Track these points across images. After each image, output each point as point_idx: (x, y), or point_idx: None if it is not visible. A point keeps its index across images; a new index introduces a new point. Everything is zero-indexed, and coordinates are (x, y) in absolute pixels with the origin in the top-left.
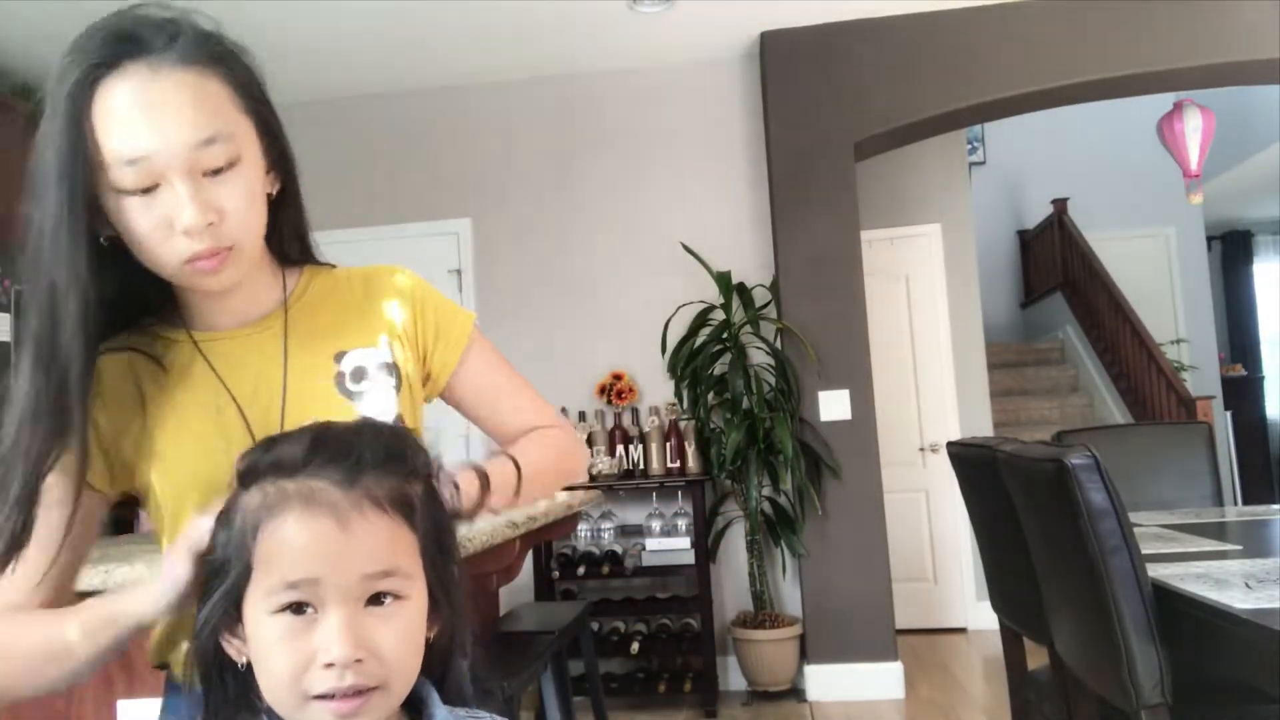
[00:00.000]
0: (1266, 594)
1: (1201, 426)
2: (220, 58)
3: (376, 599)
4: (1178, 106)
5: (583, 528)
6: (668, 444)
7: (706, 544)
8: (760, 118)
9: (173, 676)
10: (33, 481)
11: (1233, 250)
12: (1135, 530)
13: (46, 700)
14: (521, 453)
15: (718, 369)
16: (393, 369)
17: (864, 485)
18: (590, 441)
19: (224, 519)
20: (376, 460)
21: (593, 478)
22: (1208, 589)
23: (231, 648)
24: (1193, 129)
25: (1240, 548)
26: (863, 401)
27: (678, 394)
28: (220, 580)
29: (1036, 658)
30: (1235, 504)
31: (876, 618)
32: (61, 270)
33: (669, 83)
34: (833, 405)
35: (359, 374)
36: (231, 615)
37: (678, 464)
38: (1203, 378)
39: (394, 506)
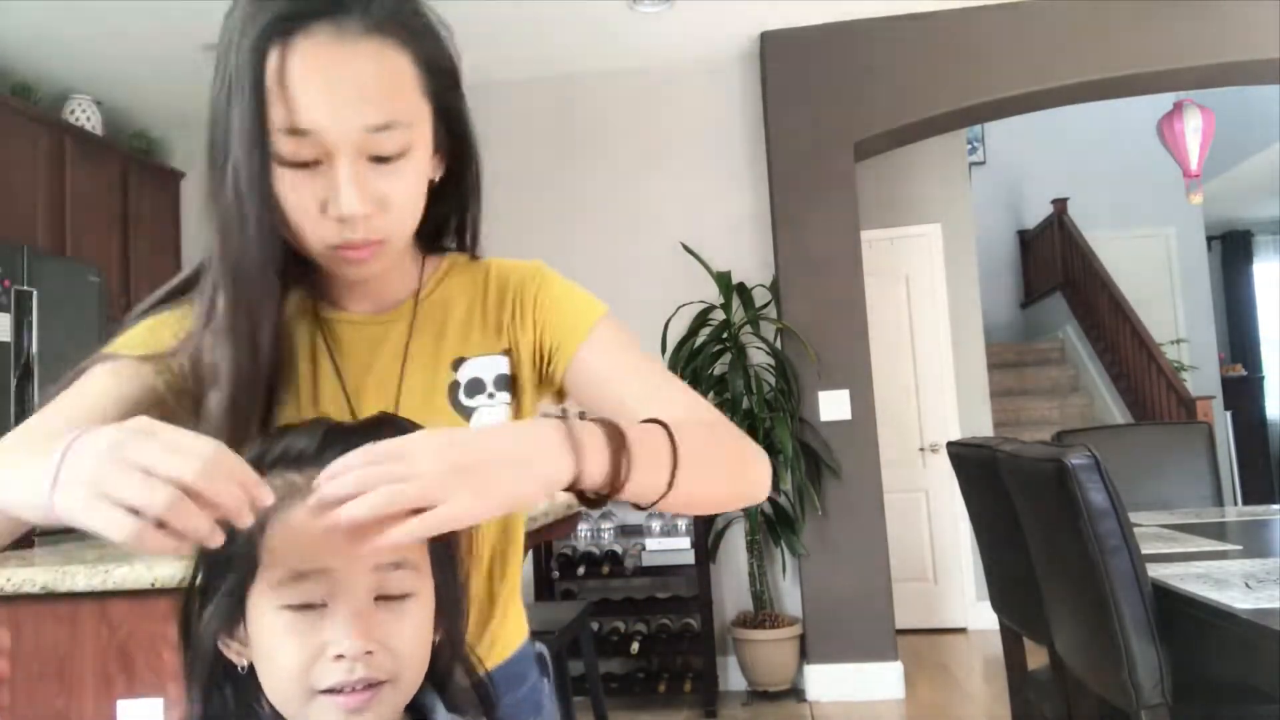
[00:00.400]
0: (1266, 594)
1: (1201, 426)
2: (415, 30)
3: (385, 593)
4: (1178, 106)
5: (583, 528)
6: None
7: (706, 544)
8: (760, 118)
9: None
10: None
11: (1233, 250)
12: (1135, 530)
13: (46, 700)
14: (675, 427)
15: (718, 369)
16: (509, 381)
17: (864, 485)
18: None
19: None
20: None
21: None
22: (1208, 589)
23: (231, 651)
24: (1193, 129)
25: (1240, 548)
26: (863, 401)
27: None
28: (223, 577)
29: (1036, 658)
30: (1235, 504)
31: (876, 618)
32: (259, 219)
33: (669, 83)
34: (833, 405)
35: (474, 386)
36: (233, 616)
37: None
38: (1203, 378)
39: None
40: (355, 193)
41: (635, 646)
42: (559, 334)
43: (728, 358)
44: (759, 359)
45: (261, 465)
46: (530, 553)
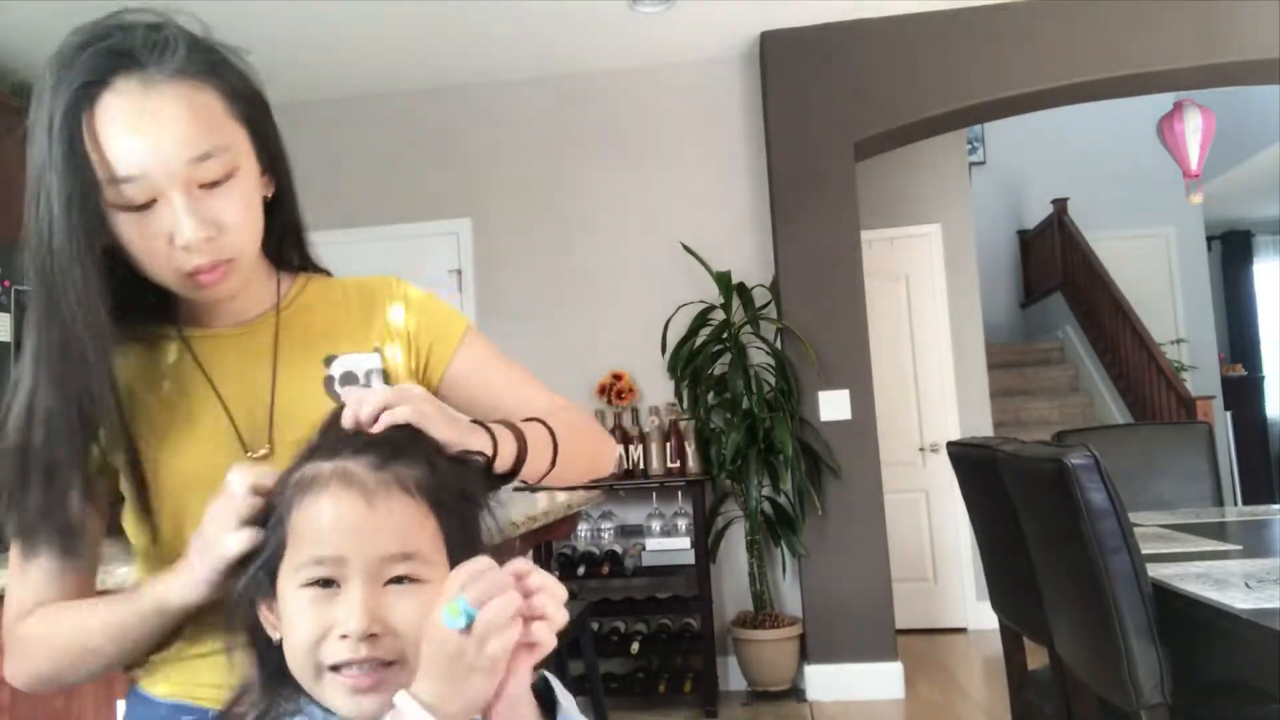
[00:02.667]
0: (1266, 594)
1: (1201, 426)
2: (213, 66)
3: (398, 580)
4: (1178, 106)
5: (583, 528)
6: (668, 444)
7: (706, 544)
8: (760, 118)
9: (139, 683)
10: (66, 480)
11: (1233, 250)
12: (1135, 530)
13: (46, 700)
14: (550, 422)
15: (718, 369)
16: (383, 375)
17: (864, 485)
18: None
19: (273, 496)
20: (402, 449)
21: None
22: (1208, 589)
23: (267, 623)
24: (1193, 129)
25: (1240, 548)
26: (863, 401)
27: (678, 394)
28: (258, 553)
29: (1036, 658)
30: (1235, 504)
31: (876, 618)
32: (79, 291)
33: (669, 83)
34: (833, 405)
35: (348, 378)
36: (267, 589)
37: (678, 464)
38: (1203, 378)
39: (421, 492)
40: (192, 221)
41: (635, 646)
42: (430, 337)
43: (728, 358)
44: (759, 359)
45: (300, 455)
46: (530, 553)
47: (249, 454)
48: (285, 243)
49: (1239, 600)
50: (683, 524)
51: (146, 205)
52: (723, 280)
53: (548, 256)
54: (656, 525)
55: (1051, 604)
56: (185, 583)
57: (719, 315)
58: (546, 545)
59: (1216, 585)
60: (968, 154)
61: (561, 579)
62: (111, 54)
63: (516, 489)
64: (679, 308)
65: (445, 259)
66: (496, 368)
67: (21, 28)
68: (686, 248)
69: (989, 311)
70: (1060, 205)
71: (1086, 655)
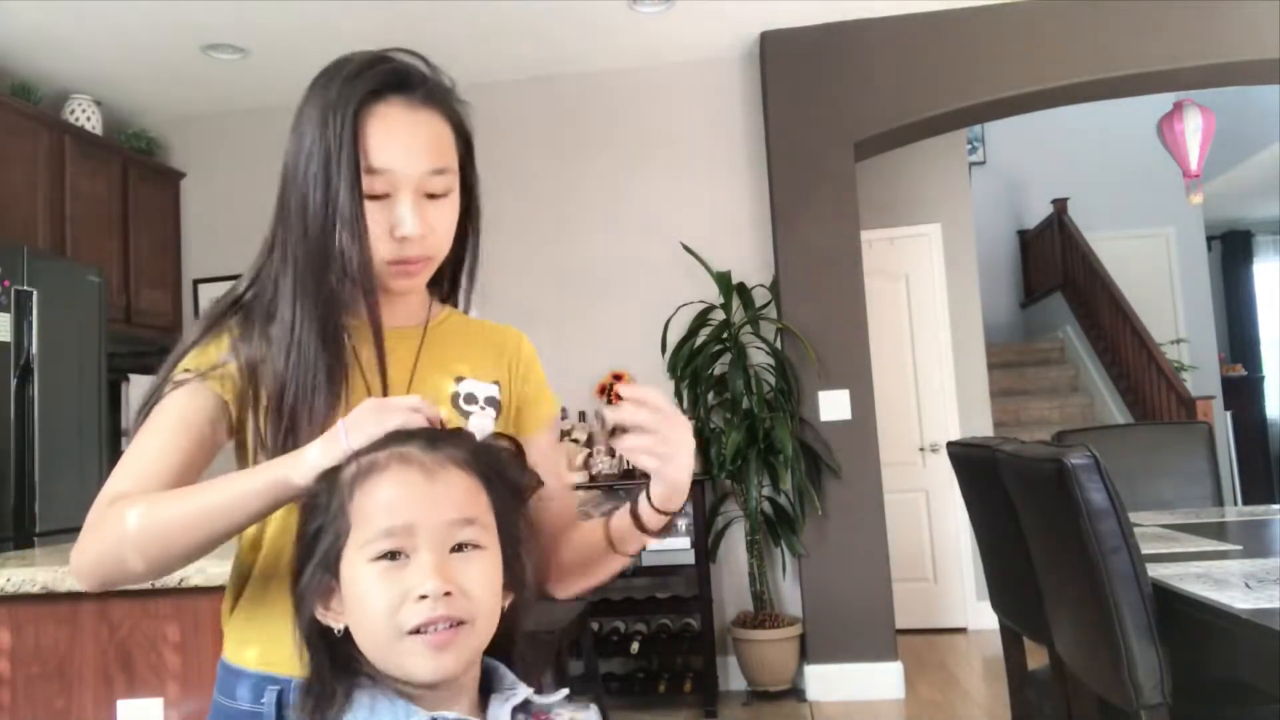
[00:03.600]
0: (1266, 594)
1: (1201, 426)
2: (452, 106)
3: (459, 548)
4: (1178, 106)
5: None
6: None
7: (706, 544)
8: (760, 118)
9: (225, 654)
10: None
11: (1233, 250)
12: (1135, 530)
13: (46, 700)
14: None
15: (718, 369)
16: (497, 404)
17: (864, 485)
18: (590, 441)
19: (318, 494)
20: (445, 436)
21: (592, 478)
22: (1208, 589)
23: (328, 617)
24: (1193, 129)
25: (1240, 548)
26: (863, 401)
27: (678, 394)
28: (314, 550)
29: (1036, 658)
30: (1235, 504)
31: (876, 618)
32: (346, 229)
33: (669, 83)
34: (833, 405)
35: (471, 398)
36: (327, 583)
37: None
38: (1203, 378)
39: (471, 468)
40: (415, 218)
41: (635, 646)
42: (527, 408)
43: (728, 358)
44: (759, 359)
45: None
46: None
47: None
48: (454, 273)
49: (1239, 600)
50: (683, 524)
51: (382, 197)
52: (723, 280)
53: (548, 256)
54: None
55: (1051, 604)
56: (325, 452)
57: (719, 315)
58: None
59: (1216, 585)
60: (968, 154)
61: None
62: (393, 74)
63: None
64: (679, 308)
65: None
66: (559, 458)
67: (22, 28)
68: (686, 248)
69: (989, 311)
70: (1060, 205)
71: (1086, 655)
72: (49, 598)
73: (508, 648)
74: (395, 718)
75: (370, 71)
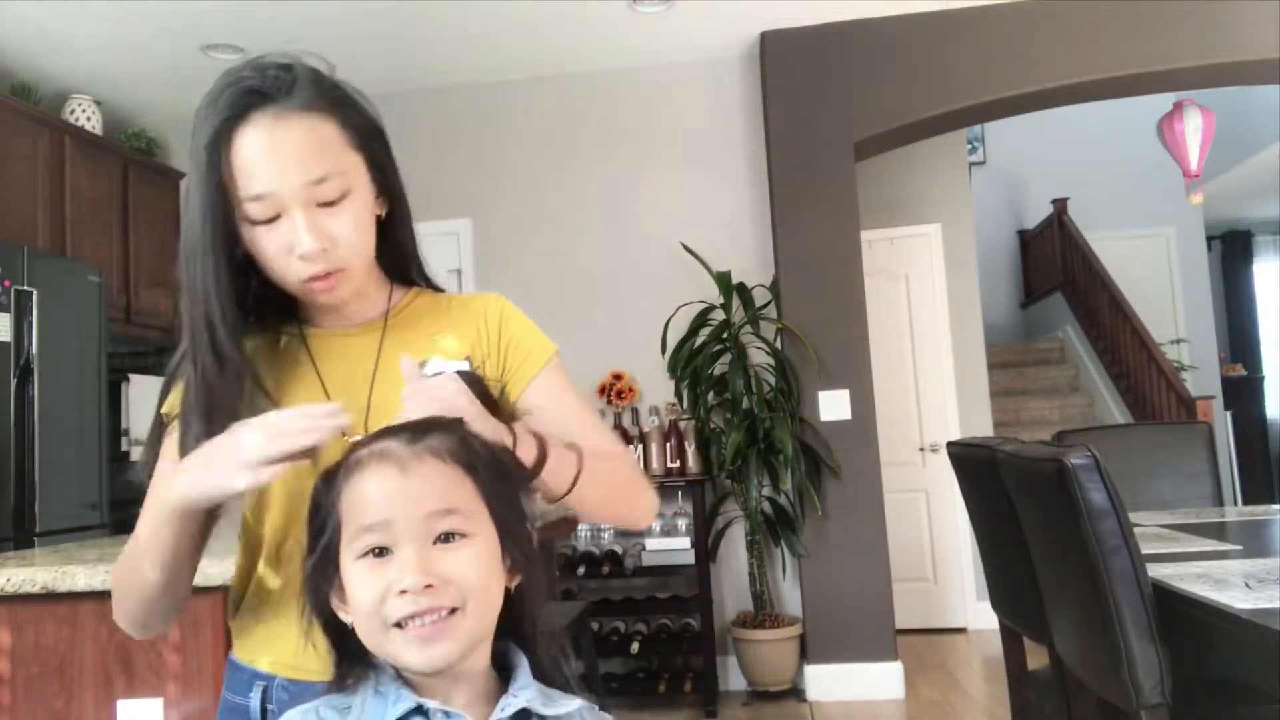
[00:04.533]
0: (1266, 594)
1: (1201, 426)
2: (334, 101)
3: (446, 538)
4: (1178, 106)
5: (583, 528)
6: (668, 444)
7: (706, 544)
8: (760, 117)
9: (238, 652)
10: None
11: (1233, 250)
12: (1135, 530)
13: (46, 700)
14: (588, 453)
15: (718, 369)
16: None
17: (864, 485)
18: None
19: (319, 493)
20: (431, 427)
21: None
22: (1208, 589)
23: (342, 612)
24: (1193, 129)
25: (1240, 548)
26: (863, 401)
27: (678, 394)
28: (318, 543)
29: (1036, 658)
30: (1235, 504)
31: (876, 618)
32: (210, 286)
33: (669, 82)
34: (833, 405)
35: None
36: (332, 577)
37: (678, 464)
38: (1203, 378)
39: (453, 458)
40: (308, 235)
41: (635, 646)
42: (517, 358)
43: (728, 358)
44: (759, 359)
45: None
46: None
47: (345, 439)
48: (398, 258)
49: (1239, 600)
50: (683, 524)
51: (273, 220)
52: (723, 280)
53: (547, 256)
54: (656, 525)
55: (1051, 604)
56: (183, 480)
57: (719, 315)
58: (547, 545)
59: (1216, 585)
60: (968, 154)
61: (562, 579)
62: (248, 92)
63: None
64: (679, 308)
65: (445, 259)
66: (567, 401)
67: (22, 28)
68: (686, 248)
69: (989, 311)
70: (1060, 205)
71: (1086, 655)
72: (49, 598)
73: (523, 631)
74: (385, 703)
75: (224, 96)
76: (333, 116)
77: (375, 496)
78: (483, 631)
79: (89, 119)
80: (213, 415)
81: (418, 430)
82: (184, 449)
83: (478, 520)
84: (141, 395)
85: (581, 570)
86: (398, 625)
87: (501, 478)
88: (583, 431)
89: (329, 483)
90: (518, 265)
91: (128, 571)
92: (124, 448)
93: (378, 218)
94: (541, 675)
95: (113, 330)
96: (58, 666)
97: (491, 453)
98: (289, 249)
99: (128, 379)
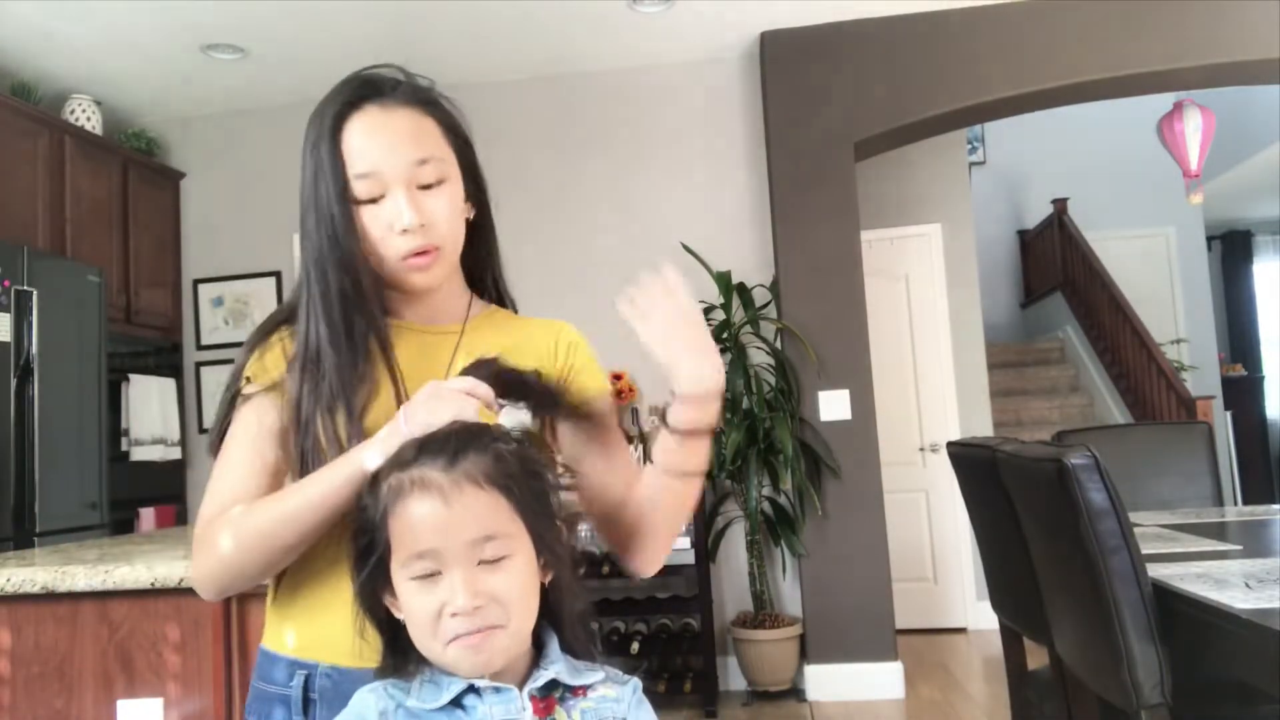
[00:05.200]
0: (1266, 594)
1: (1201, 426)
2: (433, 102)
3: (485, 559)
4: (1178, 106)
5: (583, 527)
6: None
7: (706, 544)
8: (760, 118)
9: (271, 642)
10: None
11: (1233, 250)
12: (1135, 530)
13: (46, 700)
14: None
15: None
16: None
17: (864, 485)
18: None
19: (365, 506)
20: (465, 446)
21: None
22: (1208, 589)
23: (394, 607)
24: (1193, 129)
25: (1240, 548)
26: (863, 401)
27: None
28: (367, 558)
29: (1036, 658)
30: (1235, 504)
31: (876, 618)
32: (341, 247)
33: (669, 82)
34: (833, 405)
35: None
36: (384, 581)
37: None
38: (1203, 378)
39: (489, 482)
40: (409, 209)
41: (635, 646)
42: (578, 385)
43: (728, 358)
44: (759, 359)
45: (380, 469)
46: None
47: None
48: (480, 267)
49: (1239, 600)
50: (682, 524)
51: (377, 199)
52: (723, 280)
53: (547, 256)
54: None
55: (1051, 604)
56: (389, 437)
57: (719, 315)
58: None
59: (1216, 585)
60: (968, 154)
61: None
62: (363, 85)
63: None
64: None
65: None
66: (617, 434)
67: (22, 28)
68: (686, 248)
69: (989, 311)
70: (1060, 205)
71: (1086, 655)
72: (49, 598)
73: (557, 623)
74: (439, 685)
75: (344, 88)
76: (434, 115)
77: (421, 527)
78: (524, 634)
79: (89, 119)
80: (341, 356)
81: (451, 451)
82: (306, 401)
83: (515, 539)
84: (141, 395)
85: (581, 570)
86: (452, 640)
87: (535, 482)
88: (632, 464)
89: (376, 498)
90: (517, 265)
91: (261, 536)
92: (124, 448)
93: (466, 220)
94: (569, 651)
95: (113, 330)
96: (58, 666)
97: (521, 461)
98: (390, 226)
99: (127, 379)
